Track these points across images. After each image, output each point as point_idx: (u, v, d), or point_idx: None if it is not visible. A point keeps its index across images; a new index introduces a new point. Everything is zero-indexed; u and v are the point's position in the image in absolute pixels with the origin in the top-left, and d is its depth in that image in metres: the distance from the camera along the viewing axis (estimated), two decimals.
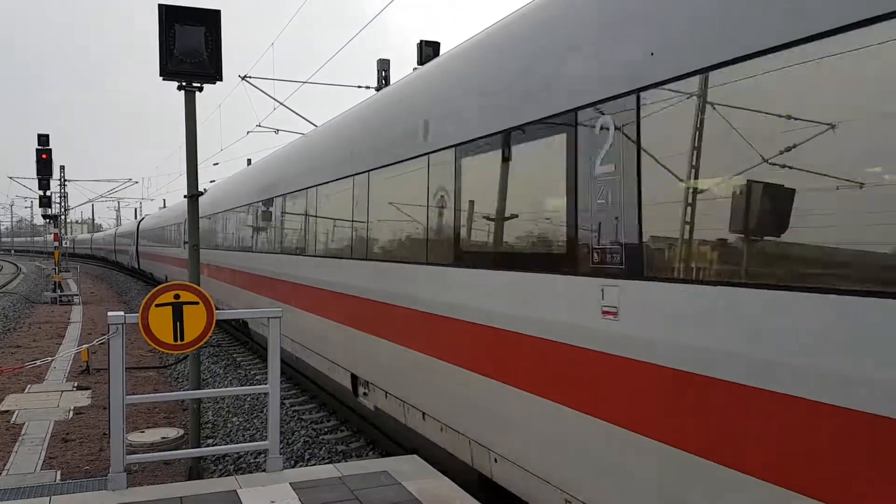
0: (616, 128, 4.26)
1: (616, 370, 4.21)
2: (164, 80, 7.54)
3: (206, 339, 6.06)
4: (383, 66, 19.15)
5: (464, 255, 6.00)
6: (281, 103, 20.23)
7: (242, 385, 13.84)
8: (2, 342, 18.16)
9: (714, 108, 3.62)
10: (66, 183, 46.84)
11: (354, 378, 9.00)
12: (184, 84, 7.72)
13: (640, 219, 4.04)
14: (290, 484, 5.62)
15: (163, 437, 9.52)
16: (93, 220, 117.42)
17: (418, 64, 14.53)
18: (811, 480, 3.09)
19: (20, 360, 14.78)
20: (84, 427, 10.26)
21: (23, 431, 9.90)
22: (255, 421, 11.11)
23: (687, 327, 3.71)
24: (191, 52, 7.43)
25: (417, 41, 15.07)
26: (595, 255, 4.37)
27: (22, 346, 17.38)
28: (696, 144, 3.72)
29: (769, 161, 3.31)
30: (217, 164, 36.09)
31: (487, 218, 5.67)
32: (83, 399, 11.94)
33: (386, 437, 9.20)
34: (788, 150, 3.23)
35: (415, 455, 6.45)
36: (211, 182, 28.23)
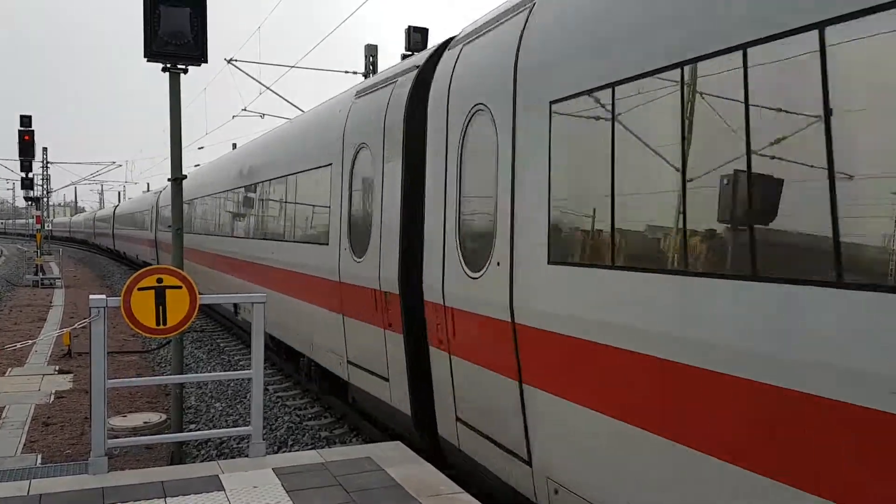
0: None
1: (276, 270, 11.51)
2: (148, 61, 7.43)
3: (189, 324, 6.02)
4: (371, 51, 19.03)
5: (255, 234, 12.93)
6: (268, 87, 20.08)
7: (226, 370, 13.80)
8: None
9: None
10: (49, 165, 46.37)
11: (235, 305, 14.88)
12: (168, 66, 7.62)
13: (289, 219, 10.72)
14: (273, 469, 5.61)
15: (145, 422, 9.47)
16: (75, 202, 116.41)
17: (406, 50, 14.43)
18: (318, 297, 9.42)
19: (0, 343, 14.64)
20: (65, 411, 10.19)
21: (3, 415, 9.82)
22: (238, 406, 11.08)
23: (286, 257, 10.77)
24: (176, 33, 7.32)
25: (406, 27, 14.96)
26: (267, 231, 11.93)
27: (3, 329, 17.22)
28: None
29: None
30: (202, 147, 35.87)
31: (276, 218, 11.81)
32: (64, 383, 11.86)
33: (370, 423, 9.20)
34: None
35: (399, 441, 6.45)
36: (196, 166, 28.05)
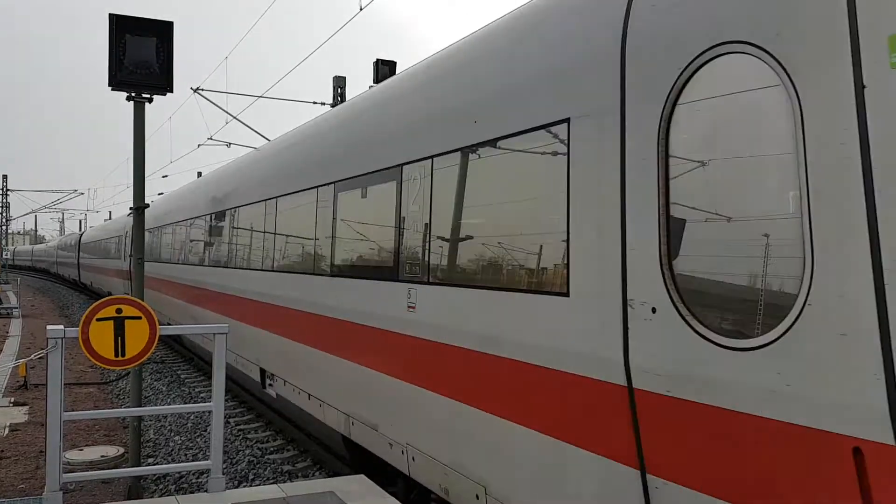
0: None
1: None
2: (113, 90, 7.41)
3: (149, 355, 5.93)
4: (339, 83, 19.13)
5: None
6: (234, 117, 20.04)
7: (186, 403, 13.56)
8: None
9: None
10: (9, 193, 45.65)
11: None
12: (133, 95, 7.60)
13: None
14: None
15: (102, 456, 9.26)
16: (35, 231, 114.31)
17: (374, 82, 14.54)
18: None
19: None
20: (20, 444, 9.92)
21: None
22: (198, 440, 10.88)
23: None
24: (141, 62, 7.32)
25: (374, 60, 15.10)
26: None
27: None
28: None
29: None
30: (166, 176, 35.59)
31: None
32: (20, 415, 11.56)
33: (333, 455, 9.10)
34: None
35: (362, 475, 6.38)
36: (159, 194, 27.71)
